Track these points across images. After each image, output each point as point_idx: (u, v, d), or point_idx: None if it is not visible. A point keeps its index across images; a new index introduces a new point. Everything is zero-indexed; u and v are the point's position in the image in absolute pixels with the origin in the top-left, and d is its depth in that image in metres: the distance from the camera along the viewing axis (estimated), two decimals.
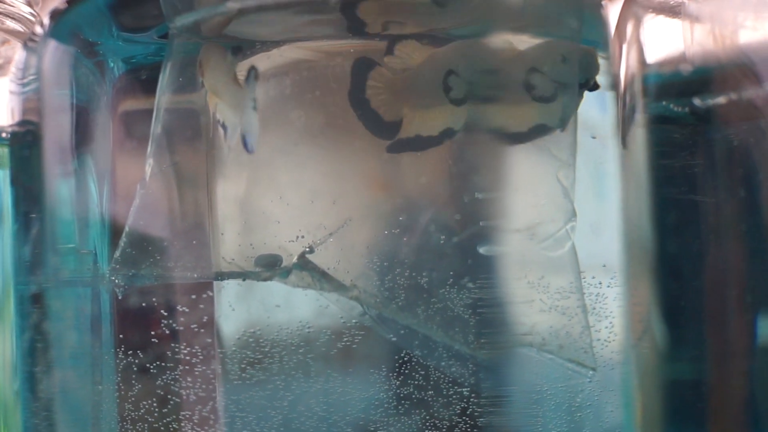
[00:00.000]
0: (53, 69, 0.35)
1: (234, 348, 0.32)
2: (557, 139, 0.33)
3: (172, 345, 0.32)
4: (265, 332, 0.32)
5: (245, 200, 0.32)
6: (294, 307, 0.32)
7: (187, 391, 0.32)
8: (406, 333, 0.32)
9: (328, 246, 0.31)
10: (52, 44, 0.35)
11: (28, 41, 0.36)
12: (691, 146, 0.35)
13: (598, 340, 0.34)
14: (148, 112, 0.33)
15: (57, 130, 0.35)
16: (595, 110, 0.34)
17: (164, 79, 0.32)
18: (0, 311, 0.43)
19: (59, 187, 0.35)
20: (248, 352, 0.32)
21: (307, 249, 0.32)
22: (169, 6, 0.32)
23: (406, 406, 0.31)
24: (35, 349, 0.36)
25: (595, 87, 0.33)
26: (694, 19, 0.34)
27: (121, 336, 0.33)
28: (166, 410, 0.32)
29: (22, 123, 0.36)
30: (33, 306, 0.37)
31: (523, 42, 0.32)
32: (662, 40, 0.35)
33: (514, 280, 0.32)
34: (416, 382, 0.32)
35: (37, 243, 0.36)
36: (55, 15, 0.35)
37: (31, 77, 0.35)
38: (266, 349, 0.32)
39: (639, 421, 0.36)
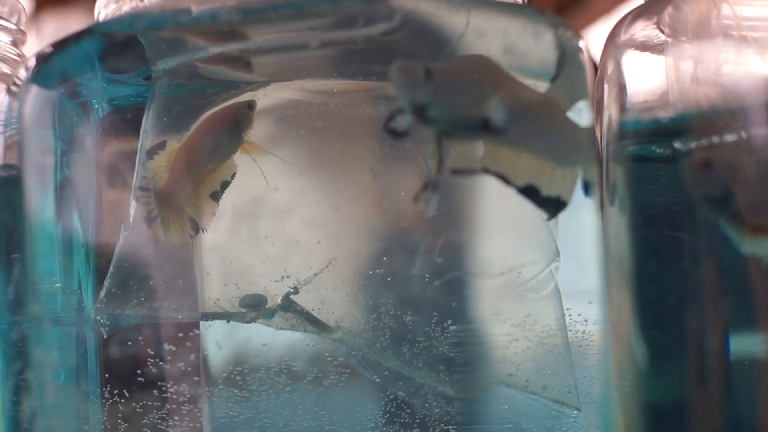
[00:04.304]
0: (36, 111, 0.35)
1: (221, 386, 0.32)
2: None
3: (159, 384, 0.32)
4: (252, 370, 0.32)
5: (230, 241, 0.32)
6: (280, 345, 0.32)
7: (174, 430, 0.32)
8: (389, 374, 0.32)
9: (312, 287, 0.31)
10: (36, 87, 0.35)
11: (12, 85, 0.36)
12: (673, 184, 0.35)
13: (585, 377, 0.34)
14: (133, 153, 0.33)
15: (39, 171, 0.35)
16: None
17: (147, 120, 0.32)
18: None
19: (43, 227, 0.35)
20: (235, 390, 0.32)
21: (292, 289, 0.32)
22: (153, 49, 0.32)
23: None
24: (20, 388, 0.36)
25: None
26: (676, 58, 0.34)
27: (106, 375, 0.33)
28: None
29: (4, 166, 0.36)
30: (17, 346, 0.37)
31: None
32: (643, 81, 0.35)
33: (498, 322, 0.32)
34: (402, 420, 0.32)
35: (21, 283, 0.36)
36: (40, 59, 0.35)
37: (14, 119, 0.35)
38: (253, 387, 0.32)
39: None
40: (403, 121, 0.30)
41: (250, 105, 0.32)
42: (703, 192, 0.32)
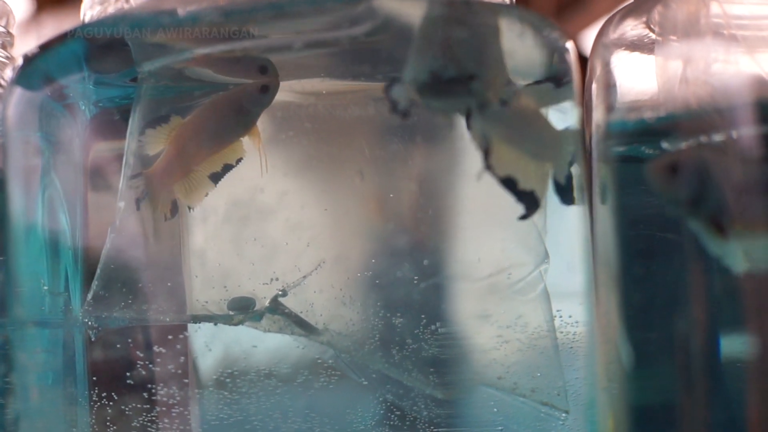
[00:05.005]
0: (20, 113, 0.34)
1: (209, 389, 0.32)
2: None
3: (147, 386, 0.32)
4: (243, 372, 0.31)
5: (218, 243, 0.32)
6: (270, 347, 0.32)
7: None
8: (378, 376, 0.32)
9: (300, 289, 0.31)
10: (20, 89, 0.34)
11: None
12: None
13: (577, 378, 0.34)
14: (120, 155, 0.33)
15: (24, 172, 0.35)
16: None
17: (134, 122, 0.32)
18: None
19: (29, 229, 0.35)
20: (224, 393, 0.31)
21: (280, 292, 0.31)
22: (138, 51, 0.32)
23: None
24: (6, 391, 0.36)
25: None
26: (665, 58, 0.34)
27: (94, 378, 0.33)
28: None
29: None
30: (3, 348, 0.36)
31: None
32: (632, 81, 0.35)
33: (487, 324, 0.32)
34: (391, 423, 0.32)
35: (7, 286, 0.35)
36: (26, 59, 0.35)
37: None
38: (242, 390, 0.31)
39: None
40: (401, 92, 0.29)
41: (263, 87, 0.31)
42: (668, 196, 0.32)
